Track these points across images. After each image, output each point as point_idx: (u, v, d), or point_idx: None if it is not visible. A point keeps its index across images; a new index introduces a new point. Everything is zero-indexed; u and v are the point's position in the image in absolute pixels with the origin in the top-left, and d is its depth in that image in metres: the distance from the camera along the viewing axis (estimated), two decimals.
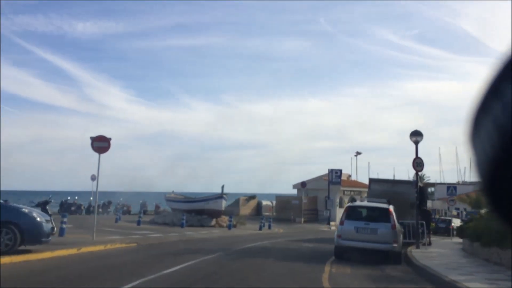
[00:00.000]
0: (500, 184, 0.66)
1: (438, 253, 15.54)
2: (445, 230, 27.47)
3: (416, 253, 14.74)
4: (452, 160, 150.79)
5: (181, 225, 24.84)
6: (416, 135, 17.45)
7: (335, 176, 38.93)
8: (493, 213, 0.71)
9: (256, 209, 46.83)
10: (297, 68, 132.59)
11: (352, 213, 13.10)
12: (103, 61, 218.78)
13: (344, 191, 40.90)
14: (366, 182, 30.61)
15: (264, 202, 48.17)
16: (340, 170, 39.41)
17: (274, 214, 41.76)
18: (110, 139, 15.44)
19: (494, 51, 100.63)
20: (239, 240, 19.17)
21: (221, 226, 27.41)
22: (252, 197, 47.05)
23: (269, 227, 29.39)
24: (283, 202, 41.79)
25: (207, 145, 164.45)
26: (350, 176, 45.06)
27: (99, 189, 15.93)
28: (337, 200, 40.29)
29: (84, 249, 12.43)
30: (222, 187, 27.51)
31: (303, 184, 39.62)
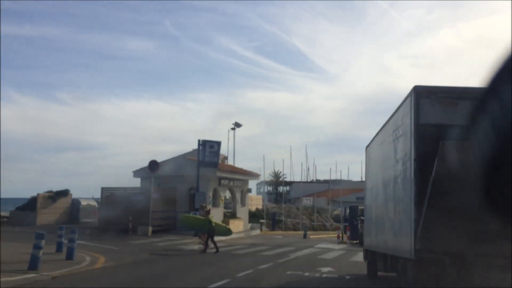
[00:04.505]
0: (498, 183, 0.67)
1: None
2: None
3: None
4: (298, 162, 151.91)
5: None
6: None
7: (209, 153, 22.79)
8: (490, 211, 0.73)
9: (70, 214, 28.11)
10: (142, 69, 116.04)
11: None
12: None
13: (220, 179, 25.01)
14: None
15: (84, 202, 29.44)
16: (219, 143, 23.43)
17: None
18: None
19: (319, 67, 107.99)
20: None
21: None
22: (62, 193, 27.88)
23: (70, 254, 11.91)
24: (114, 198, 23.92)
25: (34, 145, 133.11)
26: (226, 158, 29.43)
27: None
28: (210, 195, 24.24)
29: None
30: None
31: (152, 165, 22.32)
